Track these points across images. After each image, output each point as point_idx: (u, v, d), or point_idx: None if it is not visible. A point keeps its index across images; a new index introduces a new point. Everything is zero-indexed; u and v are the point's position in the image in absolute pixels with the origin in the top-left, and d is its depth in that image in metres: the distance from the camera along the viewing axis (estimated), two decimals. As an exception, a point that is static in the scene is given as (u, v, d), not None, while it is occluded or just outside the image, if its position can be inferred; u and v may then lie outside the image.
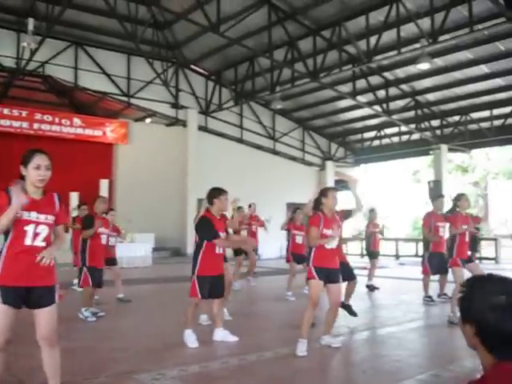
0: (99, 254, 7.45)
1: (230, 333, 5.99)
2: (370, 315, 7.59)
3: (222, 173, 19.10)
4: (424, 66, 14.97)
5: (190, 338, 5.73)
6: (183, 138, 21.01)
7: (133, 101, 19.67)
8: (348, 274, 7.01)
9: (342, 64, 15.83)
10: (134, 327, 7.05)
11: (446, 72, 17.33)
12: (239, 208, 10.79)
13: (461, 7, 13.11)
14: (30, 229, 3.40)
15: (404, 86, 19.32)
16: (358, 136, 25.29)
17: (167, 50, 19.69)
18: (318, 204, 5.73)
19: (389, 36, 14.59)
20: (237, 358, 5.18)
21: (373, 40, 14.66)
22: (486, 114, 19.95)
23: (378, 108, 19.54)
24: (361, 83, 18.62)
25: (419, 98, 19.98)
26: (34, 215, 3.41)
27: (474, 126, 20.71)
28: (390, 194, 38.78)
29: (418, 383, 4.48)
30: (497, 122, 19.96)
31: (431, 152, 22.64)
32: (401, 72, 18.24)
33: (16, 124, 18.46)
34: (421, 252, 17.05)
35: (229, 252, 7.88)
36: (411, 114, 20.78)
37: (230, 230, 6.61)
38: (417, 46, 14.02)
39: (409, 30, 14.39)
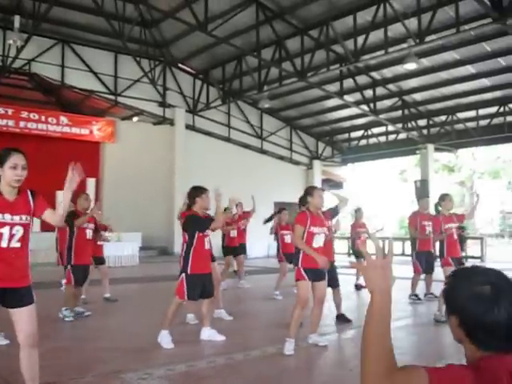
0: (85, 250, 7.35)
1: (218, 332, 5.99)
2: (357, 314, 7.62)
3: (210, 172, 19.05)
4: (411, 65, 15.05)
5: (166, 339, 5.64)
6: (170, 136, 20.95)
7: (120, 99, 19.56)
8: (332, 281, 6.97)
9: (329, 63, 15.85)
10: (121, 327, 7.02)
11: (432, 72, 17.42)
12: (226, 209, 10.74)
13: (447, 8, 13.19)
14: (5, 231, 3.37)
15: (391, 86, 19.41)
16: (346, 135, 25.37)
17: (155, 48, 19.63)
18: (303, 203, 5.72)
19: (376, 36, 14.64)
20: (224, 357, 5.18)
21: (360, 40, 14.69)
22: (472, 113, 20.09)
23: (365, 107, 19.60)
24: (348, 83, 18.67)
25: (406, 97, 20.09)
26: (7, 217, 3.38)
27: (460, 126, 20.86)
28: (377, 193, 39.02)
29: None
30: (483, 122, 20.10)
31: (418, 151, 22.76)
32: (388, 72, 18.31)
33: (2, 122, 18.26)
34: (407, 251, 17.17)
35: (217, 251, 7.84)
36: (398, 113, 20.87)
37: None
38: (404, 46, 14.09)
39: (396, 30, 14.45)
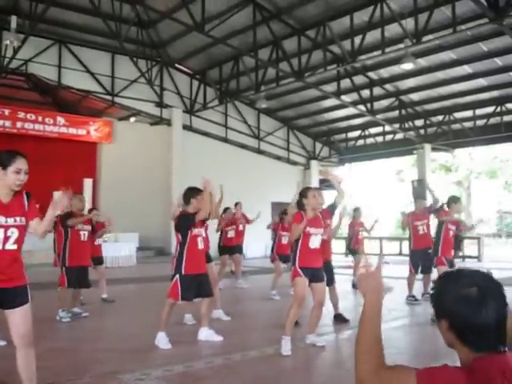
0: (80, 251, 7.32)
1: (215, 332, 5.99)
2: (354, 314, 7.62)
3: (207, 172, 18.60)
4: (408, 66, 15.03)
5: (163, 341, 5.64)
6: (168, 137, 20.91)
7: (117, 99, 19.53)
8: (328, 281, 6.96)
9: (326, 64, 15.86)
10: (118, 327, 7.01)
11: (429, 72, 17.44)
12: (226, 209, 10.78)
13: (444, 8, 13.21)
14: None
15: (388, 86, 19.43)
16: (343, 135, 25.36)
17: (152, 48, 19.59)
18: (300, 205, 5.73)
19: (373, 36, 14.64)
20: (221, 358, 5.18)
21: (357, 40, 14.70)
22: (469, 113, 20.12)
23: (362, 108, 19.61)
24: (345, 83, 18.67)
25: (403, 97, 20.11)
26: (2, 219, 3.37)
27: (457, 126, 20.87)
28: (374, 193, 39.06)
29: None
30: (480, 122, 20.13)
31: (415, 151, 22.78)
32: (385, 72, 18.33)
33: (-2, 123, 18.28)
34: (405, 251, 17.19)
35: (213, 251, 7.85)
36: (395, 113, 20.89)
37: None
38: (401, 46, 14.09)
39: (393, 30, 14.47)
